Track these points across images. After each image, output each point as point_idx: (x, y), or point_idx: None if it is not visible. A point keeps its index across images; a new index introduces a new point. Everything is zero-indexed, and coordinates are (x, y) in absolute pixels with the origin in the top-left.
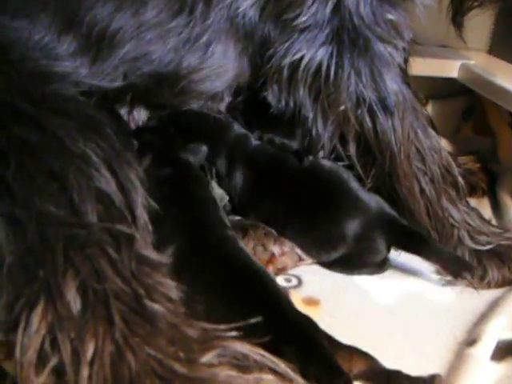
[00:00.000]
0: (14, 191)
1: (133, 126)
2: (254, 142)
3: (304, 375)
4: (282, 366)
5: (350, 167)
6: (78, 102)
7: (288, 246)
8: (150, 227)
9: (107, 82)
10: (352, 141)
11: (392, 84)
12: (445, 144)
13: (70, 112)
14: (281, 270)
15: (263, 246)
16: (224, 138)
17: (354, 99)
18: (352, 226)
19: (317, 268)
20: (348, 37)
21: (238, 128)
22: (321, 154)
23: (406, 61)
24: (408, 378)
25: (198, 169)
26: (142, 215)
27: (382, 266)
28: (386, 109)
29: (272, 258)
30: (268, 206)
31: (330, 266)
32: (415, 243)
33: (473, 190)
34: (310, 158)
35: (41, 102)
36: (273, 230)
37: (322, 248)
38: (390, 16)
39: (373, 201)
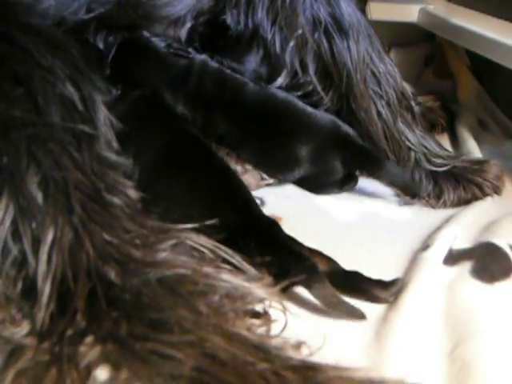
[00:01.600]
0: None
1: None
2: (212, 66)
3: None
4: (237, 257)
5: (310, 95)
6: (48, 26)
7: (249, 164)
8: (114, 145)
9: (72, 13)
10: (311, 63)
11: (346, 6)
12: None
13: (40, 31)
14: None
15: None
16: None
17: (311, 21)
18: (304, 150)
19: (279, 190)
20: None
21: (195, 54)
22: (282, 78)
23: None
24: (367, 279)
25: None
26: (104, 131)
27: (341, 186)
28: (341, 30)
29: None
30: (221, 130)
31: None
32: (369, 164)
33: (432, 127)
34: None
35: (10, 18)
36: None
37: (278, 170)
38: None
39: (329, 123)
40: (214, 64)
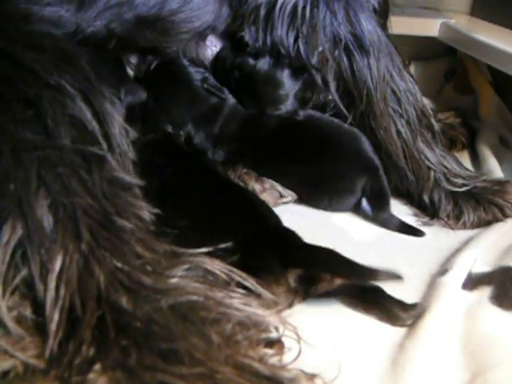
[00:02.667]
0: None
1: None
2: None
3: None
4: (251, 280)
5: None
6: (52, 37)
7: (268, 183)
8: (130, 154)
9: (92, 30)
10: (332, 81)
11: (367, 24)
12: (427, 103)
13: (45, 47)
14: None
15: (244, 182)
16: (193, 105)
17: (331, 39)
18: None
19: (295, 208)
20: None
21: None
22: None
23: (381, 7)
24: (389, 296)
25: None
26: (120, 142)
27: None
28: (361, 48)
29: None
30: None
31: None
32: (381, 202)
33: (453, 144)
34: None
35: (16, 39)
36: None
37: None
38: None
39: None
40: (242, 110)
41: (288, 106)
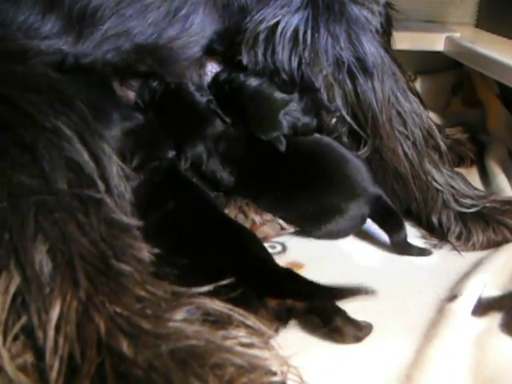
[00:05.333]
0: None
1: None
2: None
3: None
4: (252, 319)
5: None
6: (48, 78)
7: (269, 215)
8: (127, 195)
9: (90, 61)
10: (340, 104)
11: (369, 46)
12: (434, 118)
13: (41, 88)
14: (263, 239)
15: (244, 213)
16: (202, 128)
17: (334, 63)
18: (330, 201)
19: (301, 235)
20: (322, 1)
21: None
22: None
23: (384, 27)
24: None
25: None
26: (117, 183)
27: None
28: (365, 70)
29: (253, 226)
30: (247, 186)
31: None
32: (393, 223)
33: (461, 160)
34: (283, 142)
35: (12, 81)
36: None
37: (303, 221)
38: None
39: (360, 171)
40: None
41: (282, 129)
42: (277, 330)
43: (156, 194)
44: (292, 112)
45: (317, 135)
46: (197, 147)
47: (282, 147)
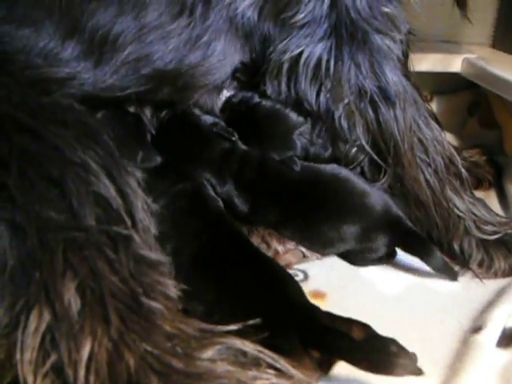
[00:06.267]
0: (16, 198)
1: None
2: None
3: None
4: (282, 362)
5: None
6: (75, 111)
7: (291, 243)
8: (152, 229)
9: (110, 85)
10: (360, 133)
11: (392, 75)
12: (451, 139)
13: (68, 121)
14: (285, 267)
15: (266, 243)
16: (206, 151)
17: (356, 92)
18: (351, 229)
19: (322, 262)
20: (346, 30)
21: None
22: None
23: (404, 54)
24: (402, 348)
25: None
26: (142, 217)
27: (387, 258)
28: (387, 99)
29: (276, 255)
30: (265, 210)
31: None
32: (417, 247)
33: (479, 183)
34: (297, 162)
35: (39, 113)
36: None
37: (322, 247)
38: (385, 9)
39: (380, 203)
40: (255, 153)
41: (296, 149)
42: (318, 380)
43: (186, 224)
44: (305, 134)
45: (335, 165)
46: (205, 172)
47: (297, 167)
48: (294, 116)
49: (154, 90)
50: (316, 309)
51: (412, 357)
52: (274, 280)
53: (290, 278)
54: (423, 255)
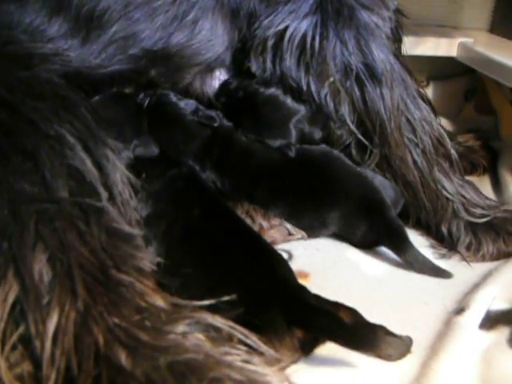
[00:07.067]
0: None
1: None
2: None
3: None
4: (254, 338)
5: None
6: (53, 84)
7: (276, 219)
8: (131, 202)
9: (97, 64)
10: (347, 112)
11: (379, 53)
12: (447, 124)
13: (45, 94)
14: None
15: (251, 218)
16: (187, 139)
17: (342, 69)
18: (333, 214)
19: (308, 243)
20: (331, 6)
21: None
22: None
23: (393, 32)
24: (391, 333)
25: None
26: (122, 190)
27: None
28: (373, 77)
29: (261, 230)
30: (250, 191)
31: None
32: (396, 240)
33: (474, 168)
34: (293, 149)
35: (17, 87)
36: None
37: (307, 229)
38: None
39: (363, 188)
40: (239, 136)
41: (291, 137)
42: (297, 360)
43: (181, 200)
44: (301, 120)
45: (325, 147)
46: (188, 159)
47: (292, 153)
48: (291, 104)
49: (145, 71)
50: (304, 289)
51: (405, 340)
52: (264, 257)
53: (280, 256)
54: (398, 250)
